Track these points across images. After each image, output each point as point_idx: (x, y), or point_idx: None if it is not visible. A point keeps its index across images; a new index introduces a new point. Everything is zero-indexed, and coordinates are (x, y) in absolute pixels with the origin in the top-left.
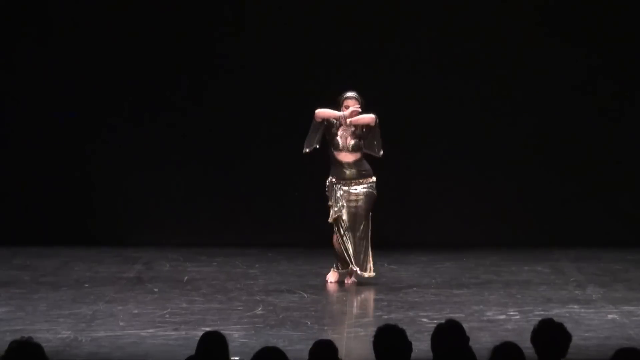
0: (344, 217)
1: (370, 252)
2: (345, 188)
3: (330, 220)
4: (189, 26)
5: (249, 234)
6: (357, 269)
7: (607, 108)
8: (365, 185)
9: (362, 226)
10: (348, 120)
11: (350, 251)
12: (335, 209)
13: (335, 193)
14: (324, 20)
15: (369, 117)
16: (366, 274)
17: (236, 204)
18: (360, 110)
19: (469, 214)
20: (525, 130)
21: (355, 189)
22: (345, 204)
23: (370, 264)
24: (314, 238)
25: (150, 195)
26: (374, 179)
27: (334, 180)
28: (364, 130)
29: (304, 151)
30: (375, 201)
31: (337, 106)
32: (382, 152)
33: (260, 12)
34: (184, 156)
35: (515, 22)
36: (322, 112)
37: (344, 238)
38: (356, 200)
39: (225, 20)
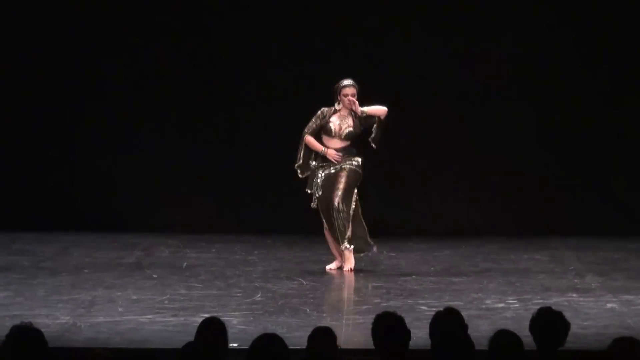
0: (325, 204)
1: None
2: (326, 172)
3: (313, 206)
4: (187, 20)
5: (248, 220)
6: (351, 246)
7: (607, 97)
8: (348, 162)
9: (349, 204)
10: (360, 110)
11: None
12: (315, 197)
13: (316, 179)
14: (322, 13)
15: (382, 110)
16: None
17: (235, 190)
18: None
19: (468, 202)
20: (525, 118)
21: (337, 167)
22: (322, 192)
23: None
24: (313, 225)
25: (150, 181)
26: (359, 159)
27: (315, 164)
28: (368, 121)
29: (299, 174)
30: (359, 179)
31: (333, 95)
32: (375, 146)
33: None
34: (183, 142)
35: (511, 12)
36: (309, 143)
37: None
38: (338, 179)
39: (222, 15)
